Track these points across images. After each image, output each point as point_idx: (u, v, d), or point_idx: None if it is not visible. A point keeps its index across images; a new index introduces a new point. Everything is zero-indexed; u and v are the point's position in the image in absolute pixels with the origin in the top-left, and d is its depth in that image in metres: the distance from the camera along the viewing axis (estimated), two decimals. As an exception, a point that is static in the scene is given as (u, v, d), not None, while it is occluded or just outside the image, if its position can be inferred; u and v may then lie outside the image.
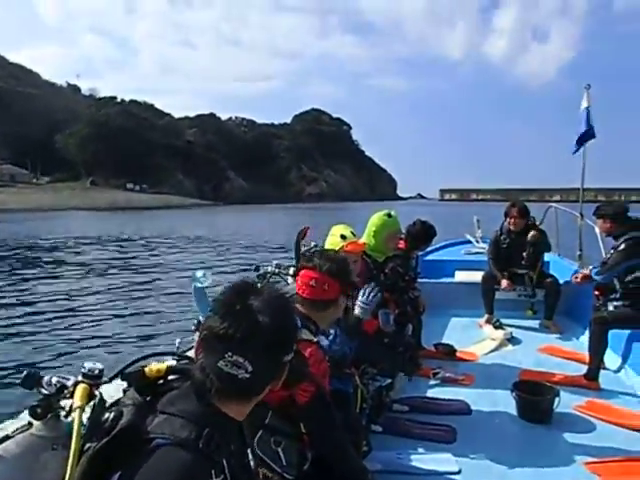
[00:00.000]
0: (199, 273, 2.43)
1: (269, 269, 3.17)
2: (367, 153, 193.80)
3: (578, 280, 4.08)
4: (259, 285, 1.15)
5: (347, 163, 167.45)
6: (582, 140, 5.46)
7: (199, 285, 2.40)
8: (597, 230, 4.44)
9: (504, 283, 4.91)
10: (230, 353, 1.02)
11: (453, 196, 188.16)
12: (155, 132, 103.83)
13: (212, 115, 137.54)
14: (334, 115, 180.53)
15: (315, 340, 1.90)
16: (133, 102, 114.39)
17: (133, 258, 17.21)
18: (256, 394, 1.12)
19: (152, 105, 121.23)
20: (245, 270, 13.00)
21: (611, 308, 3.69)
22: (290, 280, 3.03)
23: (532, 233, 4.89)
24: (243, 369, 1.03)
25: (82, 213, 51.67)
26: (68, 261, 16.47)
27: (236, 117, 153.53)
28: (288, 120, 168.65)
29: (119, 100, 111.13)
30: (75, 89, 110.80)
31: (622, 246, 3.65)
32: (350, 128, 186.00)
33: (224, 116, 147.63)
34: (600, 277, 3.75)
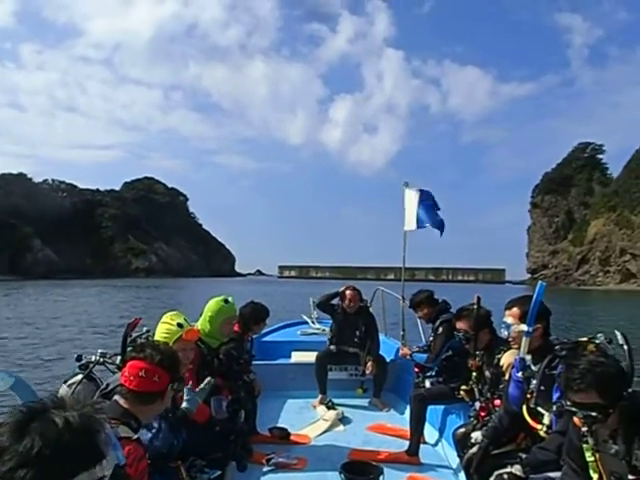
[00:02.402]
0: None
1: (93, 358, 3.11)
2: (205, 227, 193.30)
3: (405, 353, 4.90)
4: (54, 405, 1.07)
5: (182, 236, 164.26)
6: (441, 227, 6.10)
7: (3, 387, 2.33)
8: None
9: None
10: None
11: (292, 273, 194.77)
12: None
13: (21, 175, 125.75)
14: (170, 185, 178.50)
15: (135, 437, 1.90)
16: None
17: None
18: None
19: None
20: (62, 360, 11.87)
21: (428, 384, 4.34)
22: (116, 369, 3.03)
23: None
24: None
25: None
26: None
27: (53, 180, 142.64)
28: (117, 187, 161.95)
29: None
30: None
31: (440, 330, 4.41)
32: (187, 199, 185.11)
33: (39, 178, 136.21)
34: (432, 364, 4.43)
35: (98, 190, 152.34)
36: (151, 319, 3.28)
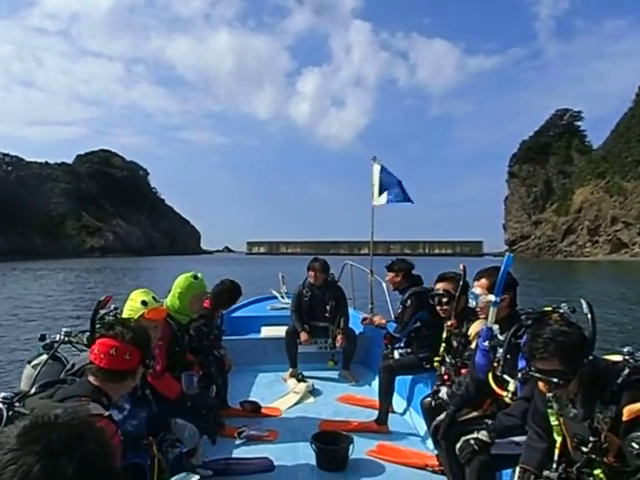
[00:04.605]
0: None
1: (57, 338, 3.17)
2: (168, 202, 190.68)
3: (367, 322, 5.24)
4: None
5: (142, 212, 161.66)
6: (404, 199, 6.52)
7: None
8: (384, 285, 5.50)
9: (303, 336, 5.66)
10: None
11: (262, 249, 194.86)
12: None
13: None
14: (129, 158, 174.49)
15: (107, 414, 1.95)
16: None
17: None
18: None
19: None
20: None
21: (397, 355, 4.60)
22: (83, 348, 3.11)
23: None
24: None
25: None
26: None
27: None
28: (69, 160, 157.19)
29: None
30: None
31: (409, 302, 4.64)
32: (147, 174, 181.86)
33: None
34: (401, 334, 4.67)
35: (47, 163, 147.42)
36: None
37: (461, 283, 3.64)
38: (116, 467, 1.02)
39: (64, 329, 3.29)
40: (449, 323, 3.73)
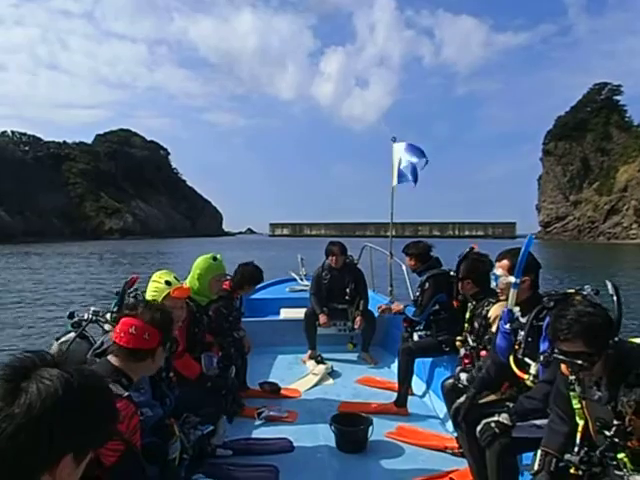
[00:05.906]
0: None
1: (86, 316, 3.31)
2: (189, 183, 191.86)
3: (381, 310, 5.39)
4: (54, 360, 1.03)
5: (163, 193, 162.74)
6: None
7: None
8: (404, 267, 5.58)
9: (322, 319, 5.80)
10: None
11: (285, 231, 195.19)
12: None
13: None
14: (149, 138, 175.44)
15: (126, 394, 2.04)
16: None
17: None
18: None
19: None
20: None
21: (416, 338, 4.71)
22: (108, 327, 3.24)
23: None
24: None
25: None
26: None
27: (13, 132, 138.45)
28: (88, 140, 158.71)
29: None
30: None
31: (427, 285, 4.72)
32: (168, 154, 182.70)
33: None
34: (420, 318, 4.76)
35: (65, 143, 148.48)
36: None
37: (468, 264, 3.74)
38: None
39: (92, 308, 3.40)
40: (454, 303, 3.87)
